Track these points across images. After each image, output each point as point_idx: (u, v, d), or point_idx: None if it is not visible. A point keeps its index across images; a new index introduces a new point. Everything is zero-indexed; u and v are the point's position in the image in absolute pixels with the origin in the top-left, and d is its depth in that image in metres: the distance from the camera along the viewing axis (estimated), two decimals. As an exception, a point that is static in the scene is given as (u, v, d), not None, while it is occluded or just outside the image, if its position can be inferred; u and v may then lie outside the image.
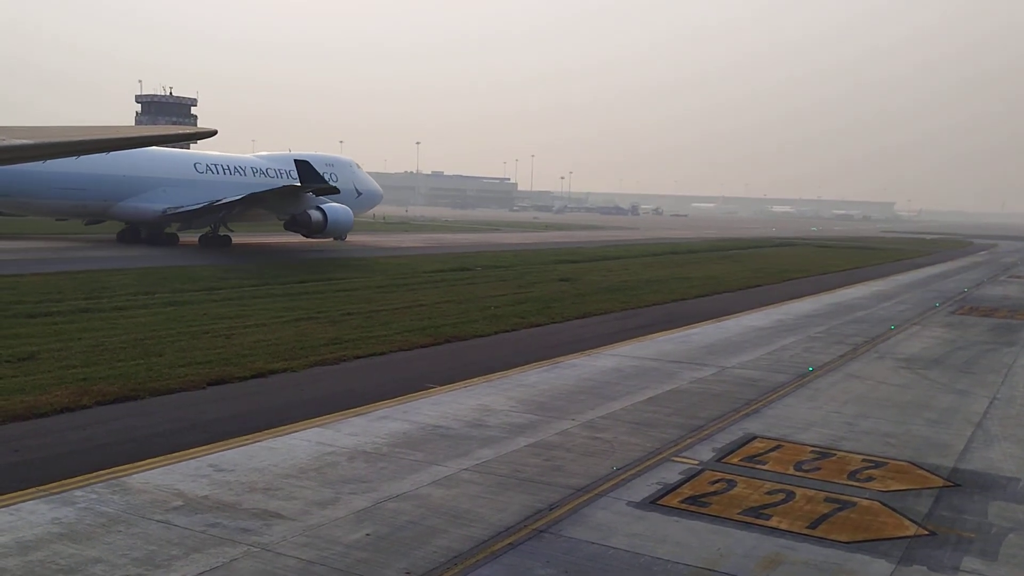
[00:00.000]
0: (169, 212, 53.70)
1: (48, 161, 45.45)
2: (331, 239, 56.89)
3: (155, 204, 53.98)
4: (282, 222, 55.36)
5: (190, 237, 56.62)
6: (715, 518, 11.15)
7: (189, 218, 54.29)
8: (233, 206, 51.97)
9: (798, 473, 13.21)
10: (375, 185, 71.87)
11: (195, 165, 58.36)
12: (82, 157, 47.88)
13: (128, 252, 48.16)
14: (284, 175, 61.37)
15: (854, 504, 11.87)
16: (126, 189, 53.53)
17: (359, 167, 70.11)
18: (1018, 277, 60.48)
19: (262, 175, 61.24)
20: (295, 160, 52.15)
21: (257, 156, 65.31)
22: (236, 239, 56.99)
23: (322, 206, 53.16)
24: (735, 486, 12.44)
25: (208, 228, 55.50)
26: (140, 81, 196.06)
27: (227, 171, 59.78)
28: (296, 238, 58.19)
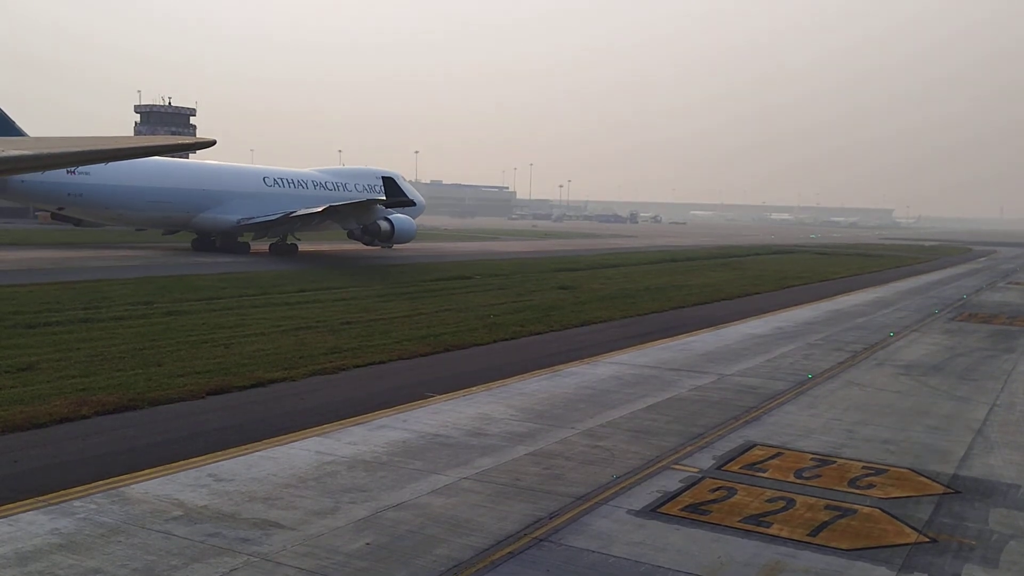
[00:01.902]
0: (243, 223, 58.42)
1: (138, 178, 54.12)
2: (379, 246, 62.15)
3: (230, 215, 58.72)
4: (345, 232, 60.37)
5: (260, 245, 61.22)
6: (716, 526, 11.14)
7: (263, 228, 58.81)
8: (311, 217, 56.34)
9: (798, 481, 13.20)
10: (418, 195, 75.77)
11: (264, 179, 63.18)
12: (167, 175, 57.14)
13: (131, 262, 48.19)
14: (340, 187, 67.14)
15: (855, 511, 11.86)
16: (205, 202, 58.44)
17: (403, 179, 73.98)
18: (1017, 284, 60.51)
19: (321, 188, 66.10)
20: (383, 176, 57.08)
21: (316, 171, 69.86)
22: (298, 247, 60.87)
23: (389, 217, 58.40)
24: (735, 494, 12.43)
25: (277, 237, 59.92)
26: (139, 91, 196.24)
27: (291, 184, 64.50)
28: (354, 245, 64.02)
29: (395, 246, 63.85)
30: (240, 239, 60.60)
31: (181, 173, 58.60)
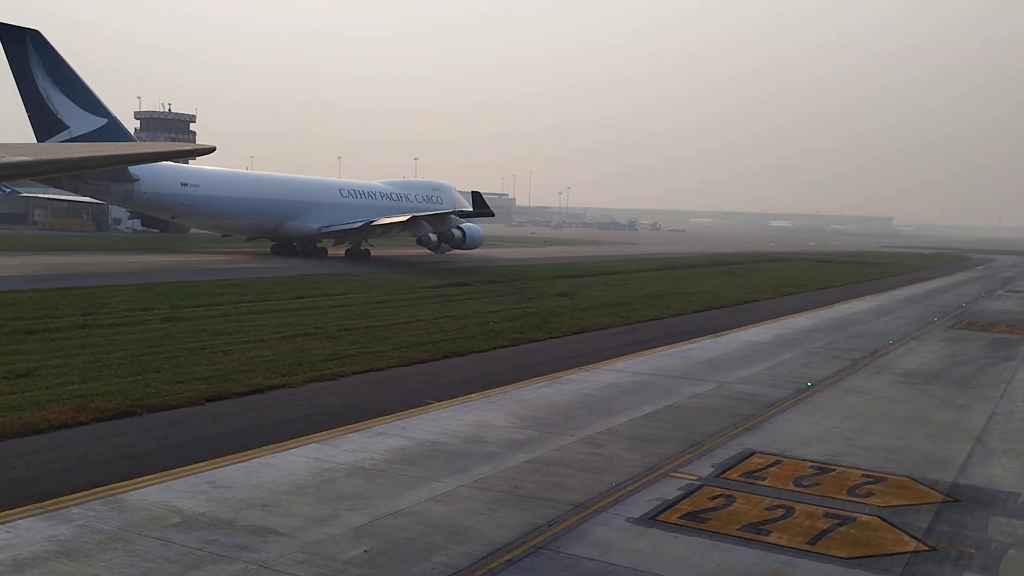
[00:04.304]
0: (323, 230, 65.06)
1: (238, 190, 63.17)
2: (440, 252, 67.38)
3: (312, 223, 65.34)
4: (415, 238, 65.60)
5: (329, 249, 67.65)
6: (714, 534, 11.12)
7: (342, 235, 65.27)
8: (393, 225, 62.87)
9: (797, 489, 13.18)
10: (468, 206, 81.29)
11: (340, 191, 69.99)
12: (261, 187, 65.22)
13: (130, 268, 48.20)
14: (402, 198, 73.88)
15: (854, 520, 11.84)
16: (292, 211, 65.24)
17: (456, 190, 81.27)
18: (1016, 292, 60.53)
19: (387, 198, 72.77)
20: (472, 192, 61.08)
21: (382, 183, 77.03)
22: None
23: (461, 225, 64.91)
24: (734, 502, 12.41)
25: (352, 243, 66.31)
26: (139, 97, 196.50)
27: (362, 196, 71.18)
28: (418, 250, 69.76)
29: (454, 251, 68.75)
30: (318, 245, 66.96)
31: (272, 186, 66.43)
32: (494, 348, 26.02)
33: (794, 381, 22.25)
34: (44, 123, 50.67)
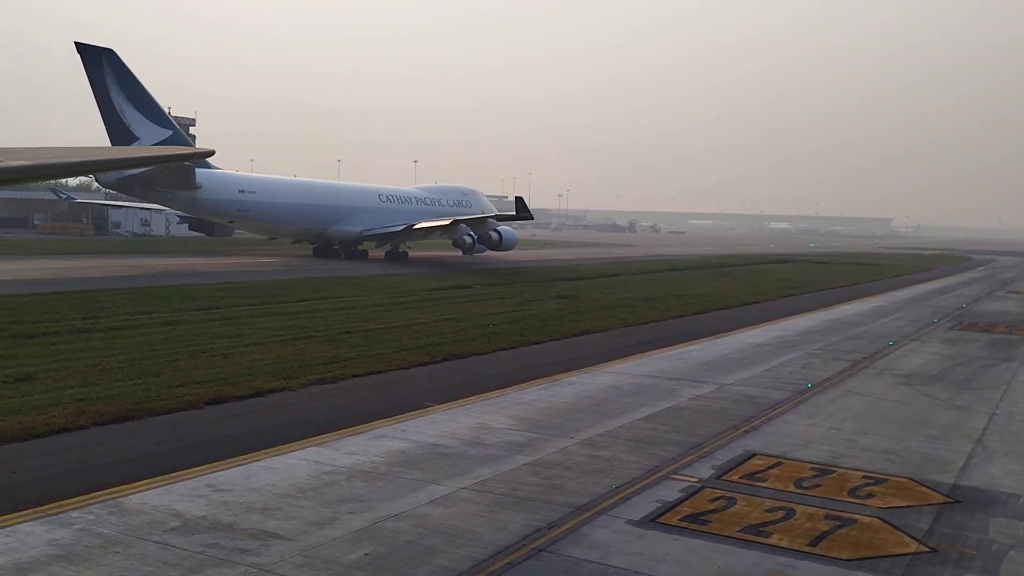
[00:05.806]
0: (364, 233, 68.60)
1: (290, 197, 66.87)
2: (461, 252, 70.01)
3: (354, 227, 68.76)
4: (451, 240, 69.04)
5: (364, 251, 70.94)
6: (715, 536, 11.11)
7: (383, 238, 69.13)
8: (433, 229, 67.01)
9: (798, 490, 13.17)
10: (495, 209, 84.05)
11: (379, 196, 73.23)
12: (309, 194, 68.87)
13: (130, 271, 48.20)
14: (435, 203, 77.27)
15: (854, 521, 11.84)
16: (337, 215, 68.79)
17: (483, 194, 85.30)
18: (1016, 292, 60.54)
19: (422, 203, 76.10)
20: (516, 198, 62.82)
21: (416, 188, 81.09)
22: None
23: (497, 228, 67.65)
24: (735, 504, 12.40)
25: (391, 246, 70.18)
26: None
27: (400, 200, 74.50)
28: (450, 252, 72.85)
29: (488, 253, 71.02)
30: (360, 247, 70.39)
31: (319, 192, 70.30)
32: (494, 351, 26.01)
33: (794, 383, 22.25)
34: (119, 134, 55.05)
